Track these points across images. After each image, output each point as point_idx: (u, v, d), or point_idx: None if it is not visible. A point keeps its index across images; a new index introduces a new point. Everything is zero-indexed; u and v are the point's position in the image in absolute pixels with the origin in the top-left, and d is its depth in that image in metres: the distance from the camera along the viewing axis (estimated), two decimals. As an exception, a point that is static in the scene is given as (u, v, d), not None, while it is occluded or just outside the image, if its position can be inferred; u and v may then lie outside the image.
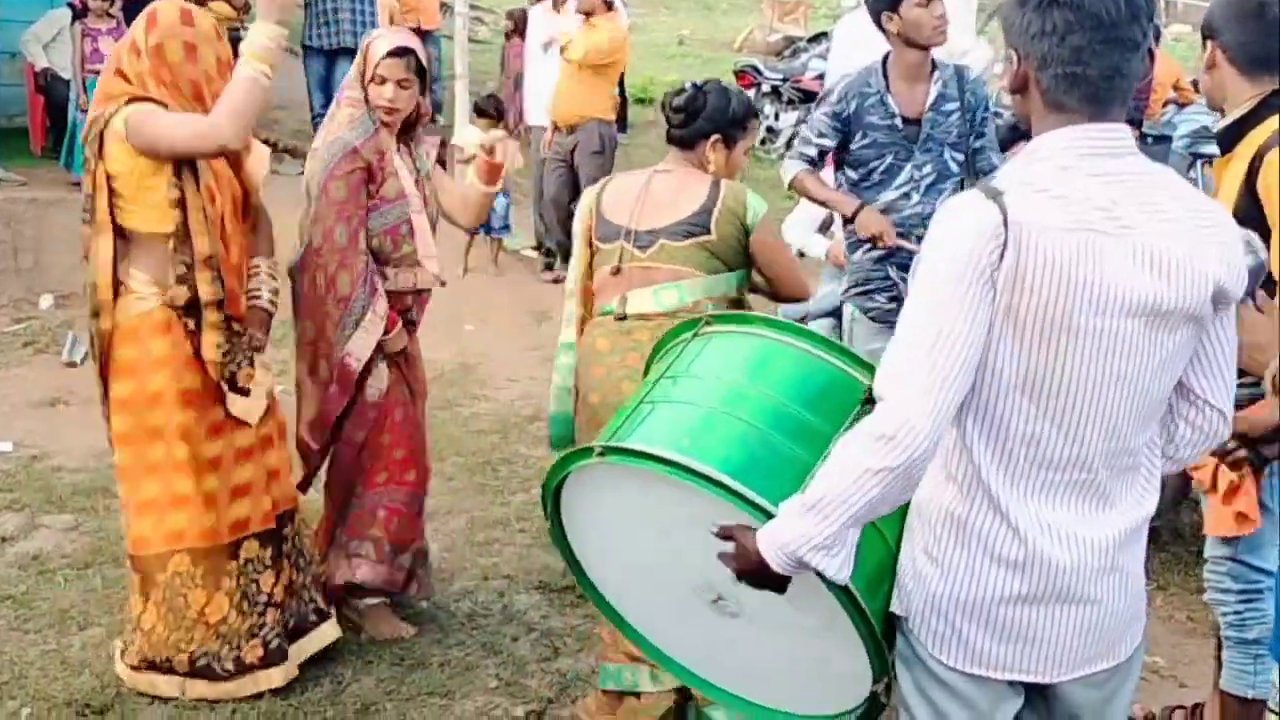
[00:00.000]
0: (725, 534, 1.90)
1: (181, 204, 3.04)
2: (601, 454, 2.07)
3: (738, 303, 3.17)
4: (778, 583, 1.87)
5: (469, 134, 8.15)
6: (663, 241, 3.11)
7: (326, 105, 9.06)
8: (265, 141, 3.53)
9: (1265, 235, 2.75)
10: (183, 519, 3.21)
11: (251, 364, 3.26)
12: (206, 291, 3.10)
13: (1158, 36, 8.95)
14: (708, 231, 3.09)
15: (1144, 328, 1.78)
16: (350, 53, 9.07)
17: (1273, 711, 2.14)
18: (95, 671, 3.51)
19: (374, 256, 3.52)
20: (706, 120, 3.11)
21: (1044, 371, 1.77)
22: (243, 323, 3.27)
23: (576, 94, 7.79)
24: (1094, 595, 1.88)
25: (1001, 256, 1.72)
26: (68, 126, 8.16)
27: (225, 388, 3.21)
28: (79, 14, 8.16)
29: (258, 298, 3.33)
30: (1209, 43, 2.84)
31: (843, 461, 1.75)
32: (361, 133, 3.48)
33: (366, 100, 3.51)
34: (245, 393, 3.24)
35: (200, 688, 3.30)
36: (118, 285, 3.14)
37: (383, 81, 3.48)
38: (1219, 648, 3.11)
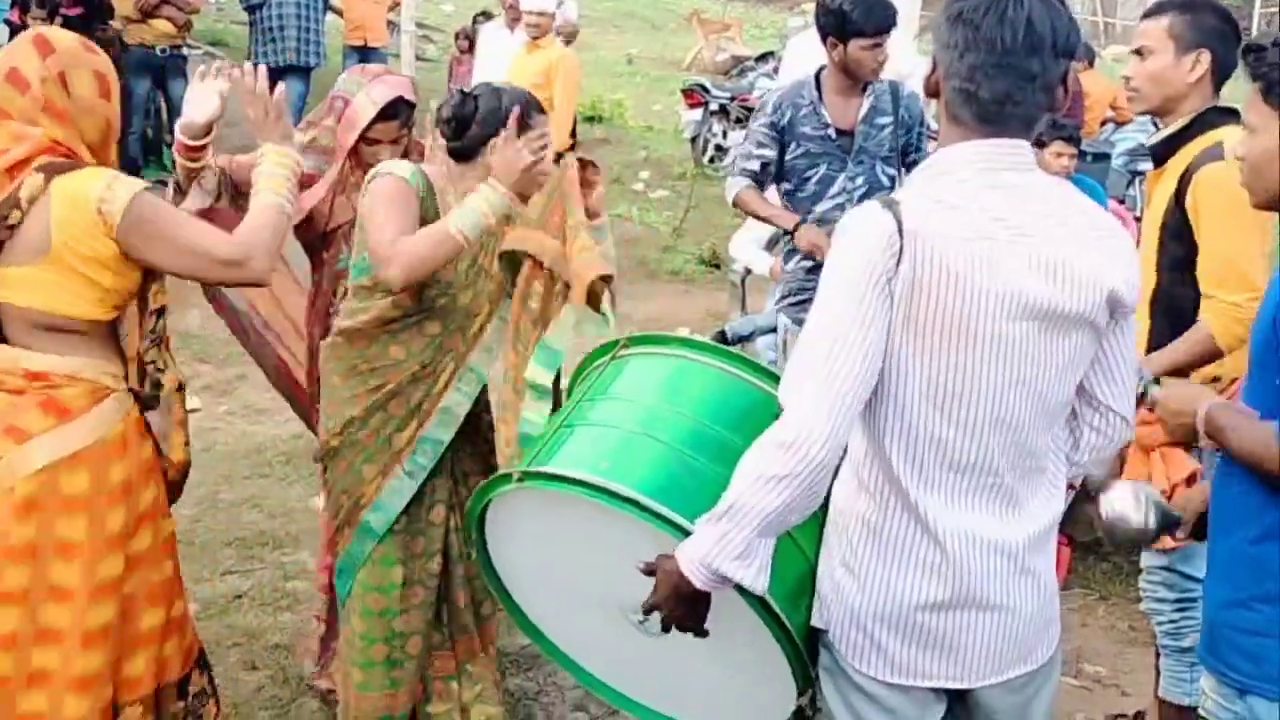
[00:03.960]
0: (649, 569, 1.90)
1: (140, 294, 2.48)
2: (520, 479, 2.07)
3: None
4: (698, 622, 1.90)
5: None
6: None
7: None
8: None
9: (1192, 249, 2.81)
10: (40, 700, 2.38)
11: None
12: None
13: (1093, 59, 9.12)
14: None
15: (1040, 331, 1.82)
16: (296, 70, 9.09)
17: (1202, 718, 2.17)
18: None
19: None
20: (480, 125, 2.78)
21: (945, 376, 1.80)
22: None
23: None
24: (1007, 601, 1.91)
25: (898, 264, 1.76)
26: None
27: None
28: (19, 30, 8.06)
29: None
30: (1202, 52, 2.80)
31: (747, 470, 1.77)
32: None
33: None
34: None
35: None
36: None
37: None
38: (1158, 656, 3.15)
